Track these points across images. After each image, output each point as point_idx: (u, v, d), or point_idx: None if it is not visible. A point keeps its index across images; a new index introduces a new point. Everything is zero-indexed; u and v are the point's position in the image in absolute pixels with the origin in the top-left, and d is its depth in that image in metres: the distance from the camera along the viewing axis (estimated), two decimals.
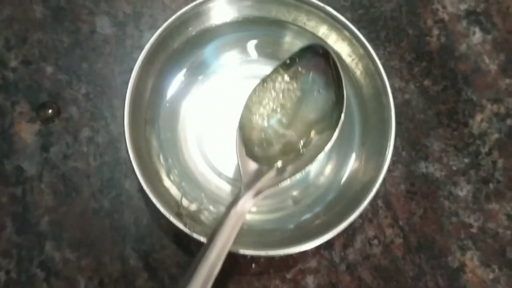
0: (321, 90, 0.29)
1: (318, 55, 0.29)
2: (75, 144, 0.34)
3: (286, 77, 0.30)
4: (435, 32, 0.38)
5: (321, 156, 0.28)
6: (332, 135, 0.28)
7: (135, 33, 0.36)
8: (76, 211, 0.33)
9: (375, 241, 0.34)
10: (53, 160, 0.34)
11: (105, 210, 0.34)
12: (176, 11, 0.36)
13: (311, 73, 0.30)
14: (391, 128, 0.30)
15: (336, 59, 0.28)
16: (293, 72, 0.30)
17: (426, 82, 0.37)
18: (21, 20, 0.36)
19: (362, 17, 0.38)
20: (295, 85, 0.30)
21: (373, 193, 0.29)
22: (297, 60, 0.30)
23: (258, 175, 0.28)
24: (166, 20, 0.35)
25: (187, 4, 0.36)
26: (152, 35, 0.33)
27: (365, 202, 0.28)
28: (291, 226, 0.31)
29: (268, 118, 0.30)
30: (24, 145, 0.34)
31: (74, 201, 0.34)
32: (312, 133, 0.29)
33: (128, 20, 0.36)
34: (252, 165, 0.29)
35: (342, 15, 0.36)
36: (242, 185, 0.28)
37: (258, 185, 0.28)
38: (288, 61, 0.30)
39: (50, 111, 0.35)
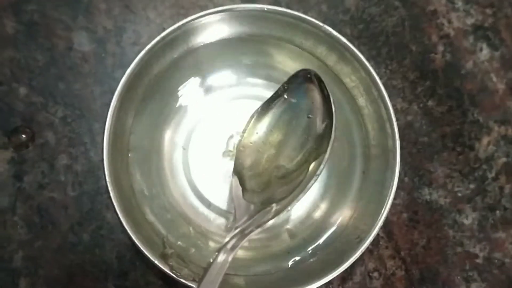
0: (312, 116, 0.31)
1: (309, 81, 0.31)
2: (51, 173, 0.36)
3: (277, 110, 0.31)
4: (440, 48, 0.40)
5: (314, 183, 0.29)
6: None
7: (117, 50, 0.37)
8: (52, 245, 0.35)
9: (376, 274, 0.35)
10: (27, 190, 0.36)
11: (84, 244, 0.35)
12: (161, 26, 0.37)
13: (303, 101, 0.31)
14: (396, 158, 0.31)
15: (325, 86, 0.29)
16: (283, 103, 0.31)
17: (430, 103, 0.39)
18: None
19: (362, 33, 0.39)
20: (286, 116, 0.31)
21: (375, 231, 0.29)
22: (287, 88, 0.31)
23: (252, 215, 0.29)
24: (151, 35, 0.36)
25: (172, 18, 0.37)
26: (135, 53, 0.34)
27: (367, 242, 0.29)
28: (288, 264, 0.31)
29: (263, 155, 0.31)
30: None
31: (51, 234, 0.35)
32: (311, 164, 0.30)
33: (108, 36, 0.37)
34: (247, 206, 0.29)
35: (341, 30, 0.37)
36: (235, 226, 0.29)
37: (253, 224, 0.29)
38: (278, 92, 0.31)
39: (23, 136, 0.36)
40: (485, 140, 0.40)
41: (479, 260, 0.38)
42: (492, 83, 0.41)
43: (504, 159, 0.39)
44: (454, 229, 0.38)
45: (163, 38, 0.32)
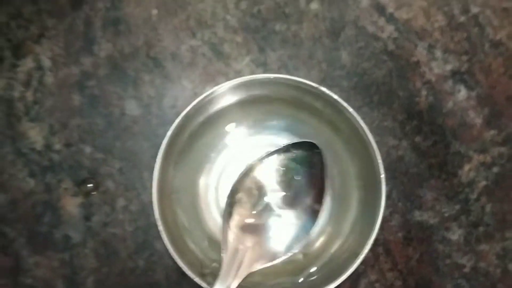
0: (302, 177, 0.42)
1: (307, 150, 0.42)
2: (112, 213, 0.45)
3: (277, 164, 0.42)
4: (424, 92, 0.48)
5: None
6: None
7: (159, 113, 0.46)
8: (116, 271, 0.44)
9: (377, 284, 0.43)
10: (95, 227, 0.44)
11: (140, 269, 0.44)
12: (193, 91, 0.47)
13: (299, 166, 0.42)
14: (382, 189, 0.39)
15: (324, 158, 0.41)
16: (282, 160, 0.42)
17: (417, 139, 0.46)
18: (62, 108, 0.47)
19: (357, 84, 0.47)
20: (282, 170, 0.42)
21: (367, 249, 0.38)
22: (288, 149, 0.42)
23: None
24: (185, 99, 0.46)
25: (202, 84, 0.47)
26: (173, 114, 0.44)
27: (361, 258, 0.38)
28: (299, 280, 0.40)
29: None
30: (70, 216, 0.44)
31: (114, 262, 0.44)
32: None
33: (152, 101, 0.47)
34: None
35: (339, 83, 0.46)
36: (223, 264, 0.39)
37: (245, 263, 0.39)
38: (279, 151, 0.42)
39: (90, 185, 0.45)
40: (466, 167, 0.47)
41: (466, 270, 0.45)
42: (470, 118, 0.49)
43: (484, 182, 0.47)
44: (443, 244, 0.46)
45: (194, 106, 0.41)
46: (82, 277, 0.44)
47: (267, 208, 0.42)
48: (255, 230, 0.41)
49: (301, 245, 0.41)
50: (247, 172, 0.42)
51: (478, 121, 0.48)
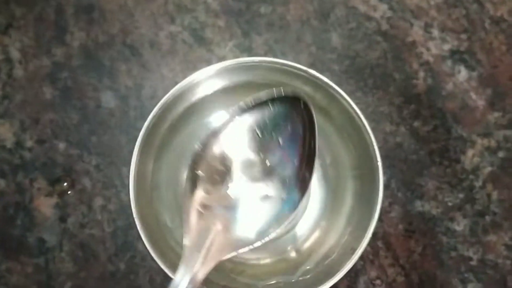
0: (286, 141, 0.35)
1: (291, 105, 0.34)
2: (89, 213, 0.42)
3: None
4: (421, 74, 0.45)
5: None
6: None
7: (137, 104, 0.43)
8: (95, 275, 0.41)
9: (378, 281, 0.40)
10: (71, 229, 0.42)
11: (121, 272, 0.41)
12: (174, 80, 0.44)
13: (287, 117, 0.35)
14: (380, 177, 0.36)
15: (313, 114, 0.34)
16: (258, 120, 0.35)
17: (416, 124, 0.44)
18: (33, 102, 0.44)
19: (349, 68, 0.44)
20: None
21: (365, 243, 0.34)
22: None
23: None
24: (165, 89, 0.43)
25: (183, 72, 0.44)
26: (153, 105, 0.40)
27: (359, 252, 0.34)
28: (295, 277, 0.37)
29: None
30: (44, 218, 0.42)
31: (93, 266, 0.41)
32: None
33: (130, 92, 0.44)
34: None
35: (330, 67, 0.43)
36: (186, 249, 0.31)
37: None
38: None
39: (65, 184, 0.42)
40: (470, 152, 0.44)
41: (473, 262, 0.42)
42: (472, 100, 0.45)
43: (489, 168, 0.44)
44: (447, 235, 0.42)
45: (174, 93, 0.38)
46: (59, 283, 0.41)
47: (240, 182, 0.35)
48: (225, 209, 0.34)
49: (287, 225, 0.34)
50: (213, 136, 0.34)
51: (481, 103, 0.45)
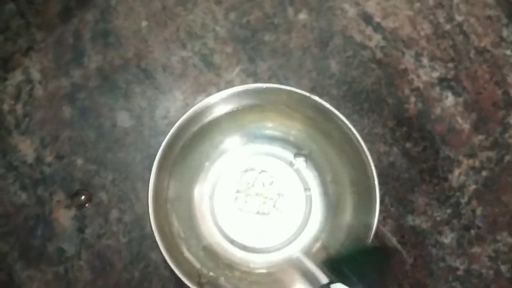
0: None
1: None
2: (106, 225, 0.45)
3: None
4: (412, 99, 0.49)
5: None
6: None
7: (151, 123, 0.47)
8: (111, 283, 0.44)
9: None
10: (89, 240, 0.44)
11: (136, 280, 0.44)
12: (185, 101, 0.47)
13: None
14: (376, 193, 0.39)
15: None
16: None
17: (407, 145, 0.47)
18: (53, 120, 0.46)
19: (346, 92, 0.48)
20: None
21: None
22: None
23: None
24: (177, 109, 0.46)
25: (193, 95, 0.47)
26: (166, 125, 0.44)
27: None
28: None
29: None
30: (63, 229, 0.44)
31: (109, 274, 0.43)
32: None
33: (144, 113, 0.47)
34: None
35: (329, 92, 0.47)
36: None
37: None
38: None
39: (83, 197, 0.45)
40: (456, 172, 0.48)
41: (460, 272, 0.46)
42: (458, 124, 0.50)
43: (474, 186, 0.48)
44: (436, 247, 0.46)
45: (189, 115, 0.42)
46: None
47: None
48: None
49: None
50: None
51: (466, 126, 0.50)
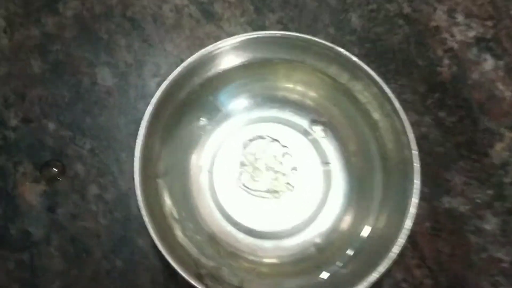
0: None
1: None
2: (82, 203, 0.38)
3: None
4: (446, 61, 0.42)
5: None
6: None
7: (138, 82, 0.39)
8: (87, 273, 0.36)
9: (404, 285, 0.37)
10: (61, 221, 0.37)
11: (118, 271, 0.37)
12: (179, 57, 0.39)
13: None
14: (414, 168, 0.32)
15: None
16: None
17: (441, 114, 0.40)
18: (19, 76, 0.39)
19: (370, 51, 0.41)
20: None
21: (402, 240, 0.31)
22: None
23: None
24: (169, 66, 0.38)
25: (189, 49, 0.39)
26: (156, 84, 0.36)
27: (394, 252, 0.30)
28: (321, 278, 0.33)
29: None
30: (29, 207, 0.37)
31: (85, 263, 0.36)
32: None
33: (130, 69, 0.39)
34: None
35: (349, 50, 0.39)
36: None
37: None
38: None
39: (54, 169, 0.38)
40: (498, 146, 0.41)
41: (505, 264, 0.39)
42: (499, 91, 0.42)
43: None
44: (476, 235, 0.39)
45: (184, 68, 0.34)
46: (45, 281, 0.36)
47: None
48: None
49: None
50: None
51: (508, 94, 0.42)
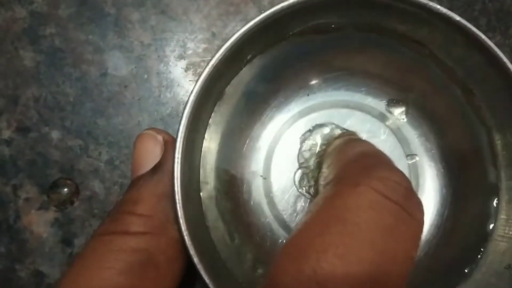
0: None
1: None
2: None
3: None
4: None
5: None
6: None
7: (161, 68, 0.30)
8: None
9: None
10: None
11: None
12: (209, 30, 0.30)
13: None
14: None
15: None
16: None
17: None
18: (7, 73, 0.30)
19: (453, 2, 0.32)
20: None
21: None
22: None
23: None
24: (198, 44, 0.29)
25: (221, 19, 0.30)
26: (184, 68, 0.27)
27: None
28: None
29: None
30: (39, 241, 0.30)
31: None
32: None
33: (148, 52, 0.31)
34: None
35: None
36: None
37: None
38: None
39: (65, 190, 0.30)
40: None
41: None
42: None
43: None
44: None
45: (230, 47, 0.25)
46: None
47: None
48: None
49: None
50: None
51: None
